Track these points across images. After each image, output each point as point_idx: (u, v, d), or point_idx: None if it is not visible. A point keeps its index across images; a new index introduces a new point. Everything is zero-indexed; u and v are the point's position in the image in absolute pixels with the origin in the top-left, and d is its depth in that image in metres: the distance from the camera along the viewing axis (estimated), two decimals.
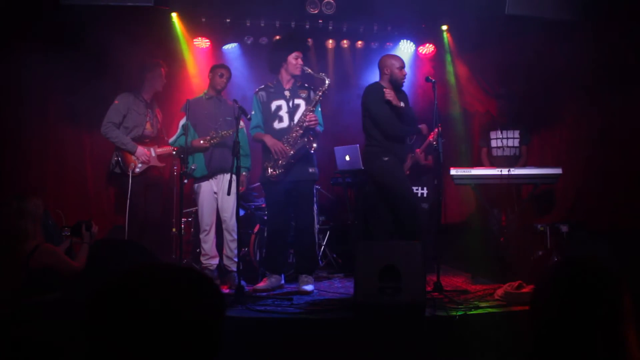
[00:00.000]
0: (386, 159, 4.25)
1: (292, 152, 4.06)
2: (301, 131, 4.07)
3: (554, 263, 1.14)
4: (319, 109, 4.27)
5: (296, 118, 4.15)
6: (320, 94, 4.12)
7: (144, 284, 0.92)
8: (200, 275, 0.99)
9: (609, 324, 1.01)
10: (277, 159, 4.09)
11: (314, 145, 4.10)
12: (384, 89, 4.21)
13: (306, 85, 4.29)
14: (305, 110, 4.12)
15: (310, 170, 4.16)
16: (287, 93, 4.21)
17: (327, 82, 4.11)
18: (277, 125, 4.19)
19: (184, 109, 4.47)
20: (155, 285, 0.92)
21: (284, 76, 4.23)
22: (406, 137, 4.38)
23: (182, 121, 4.49)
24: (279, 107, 4.20)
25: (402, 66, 4.32)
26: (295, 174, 4.10)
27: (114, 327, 0.88)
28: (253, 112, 4.25)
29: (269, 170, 4.12)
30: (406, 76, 4.37)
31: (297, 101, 4.19)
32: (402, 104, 4.21)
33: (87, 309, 0.90)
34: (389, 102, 4.17)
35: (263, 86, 4.32)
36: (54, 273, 3.14)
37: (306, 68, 4.20)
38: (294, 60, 4.16)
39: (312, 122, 4.05)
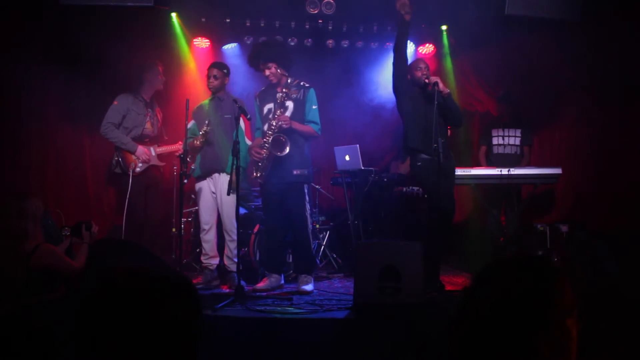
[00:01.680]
0: (418, 164, 4.15)
1: (265, 155, 4.09)
2: (271, 134, 4.05)
3: (485, 265, 1.07)
4: (314, 107, 4.18)
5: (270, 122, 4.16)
6: (282, 94, 4.09)
7: (121, 292, 0.95)
8: (176, 279, 1.01)
9: (546, 319, 0.95)
10: (258, 162, 4.14)
11: (286, 148, 3.97)
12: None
13: (302, 83, 4.23)
14: (277, 110, 4.10)
15: (295, 172, 4.11)
16: (278, 95, 4.19)
17: (289, 81, 4.15)
18: (266, 128, 4.20)
19: (194, 112, 4.55)
20: (132, 293, 0.95)
21: None
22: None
23: (189, 125, 4.51)
24: (269, 110, 4.20)
25: (420, 66, 4.24)
26: (281, 176, 4.11)
27: (96, 332, 0.91)
28: (249, 115, 4.28)
29: (254, 173, 4.20)
30: (425, 72, 4.18)
31: (286, 103, 4.17)
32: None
33: (75, 315, 0.94)
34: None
35: (263, 88, 4.35)
36: (54, 273, 3.14)
37: (286, 73, 4.19)
38: (264, 74, 4.18)
39: (282, 123, 3.99)
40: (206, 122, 4.39)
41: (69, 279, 3.20)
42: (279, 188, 4.13)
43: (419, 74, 4.17)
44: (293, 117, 4.11)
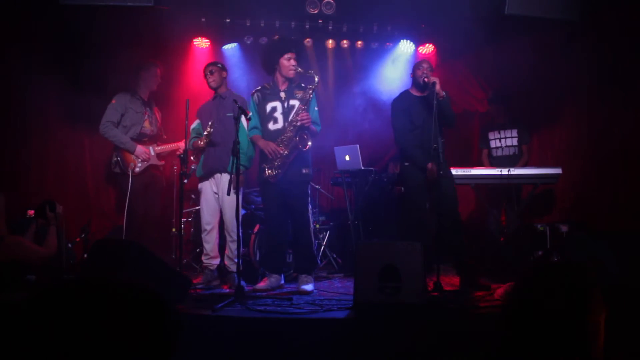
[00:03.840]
0: (406, 164, 4.37)
1: (286, 152, 4.06)
2: (294, 131, 4.07)
3: (526, 267, 1.24)
4: (316, 109, 4.25)
5: (291, 118, 4.15)
6: (310, 92, 4.11)
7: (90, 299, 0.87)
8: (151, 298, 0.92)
9: (578, 319, 1.09)
10: (273, 160, 4.10)
11: (309, 143, 4.07)
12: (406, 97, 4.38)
13: (303, 85, 4.25)
14: (298, 109, 4.11)
15: (304, 171, 4.13)
16: (282, 94, 4.19)
17: (316, 79, 4.11)
18: (272, 126, 4.19)
19: (198, 112, 4.56)
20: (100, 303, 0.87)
21: (279, 78, 4.22)
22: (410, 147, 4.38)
23: (193, 125, 4.52)
24: (273, 109, 4.19)
25: (422, 66, 4.27)
26: (289, 175, 4.10)
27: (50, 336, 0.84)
28: (250, 114, 4.25)
29: (267, 172, 4.12)
30: (425, 72, 4.26)
31: (292, 102, 4.17)
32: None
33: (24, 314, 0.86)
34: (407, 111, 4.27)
35: (259, 87, 4.30)
36: (21, 266, 3.06)
37: (298, 67, 4.16)
38: (287, 62, 4.14)
39: (305, 121, 4.04)
40: (209, 122, 4.38)
41: (39, 265, 3.12)
42: (284, 187, 4.11)
43: (419, 72, 4.25)
44: None
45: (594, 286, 1.13)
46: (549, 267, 1.20)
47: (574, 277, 1.14)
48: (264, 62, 4.29)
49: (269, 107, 4.20)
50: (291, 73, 4.16)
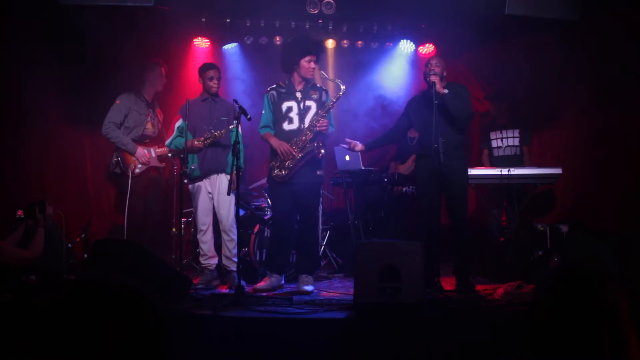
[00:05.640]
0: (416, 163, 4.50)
1: (300, 155, 4.04)
2: (311, 135, 4.06)
3: (552, 267, 1.19)
4: (332, 111, 4.25)
5: (306, 120, 4.13)
6: (334, 100, 4.10)
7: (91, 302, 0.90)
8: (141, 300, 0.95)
9: (609, 326, 1.05)
10: (284, 160, 4.08)
11: (322, 151, 4.06)
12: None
13: (318, 85, 4.25)
14: (318, 116, 4.09)
15: (318, 172, 4.14)
16: (298, 94, 4.17)
17: (342, 88, 4.09)
18: (286, 126, 4.17)
19: (182, 110, 4.45)
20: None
21: (296, 78, 4.19)
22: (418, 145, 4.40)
23: (178, 123, 4.49)
24: (289, 109, 4.17)
25: (430, 62, 4.25)
26: (303, 176, 4.08)
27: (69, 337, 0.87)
28: (263, 112, 4.24)
29: (275, 171, 4.11)
30: (428, 71, 4.23)
31: (308, 103, 4.16)
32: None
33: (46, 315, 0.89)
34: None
35: (275, 85, 4.27)
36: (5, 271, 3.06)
37: (322, 72, 4.15)
38: (307, 64, 4.11)
39: (324, 128, 4.06)
40: (203, 126, 4.37)
41: (22, 267, 3.11)
42: (297, 188, 4.10)
43: (426, 70, 4.22)
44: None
45: (623, 294, 1.11)
46: (576, 268, 1.15)
47: (603, 282, 1.11)
48: (283, 60, 4.24)
49: (284, 106, 4.18)
50: (310, 75, 4.15)
